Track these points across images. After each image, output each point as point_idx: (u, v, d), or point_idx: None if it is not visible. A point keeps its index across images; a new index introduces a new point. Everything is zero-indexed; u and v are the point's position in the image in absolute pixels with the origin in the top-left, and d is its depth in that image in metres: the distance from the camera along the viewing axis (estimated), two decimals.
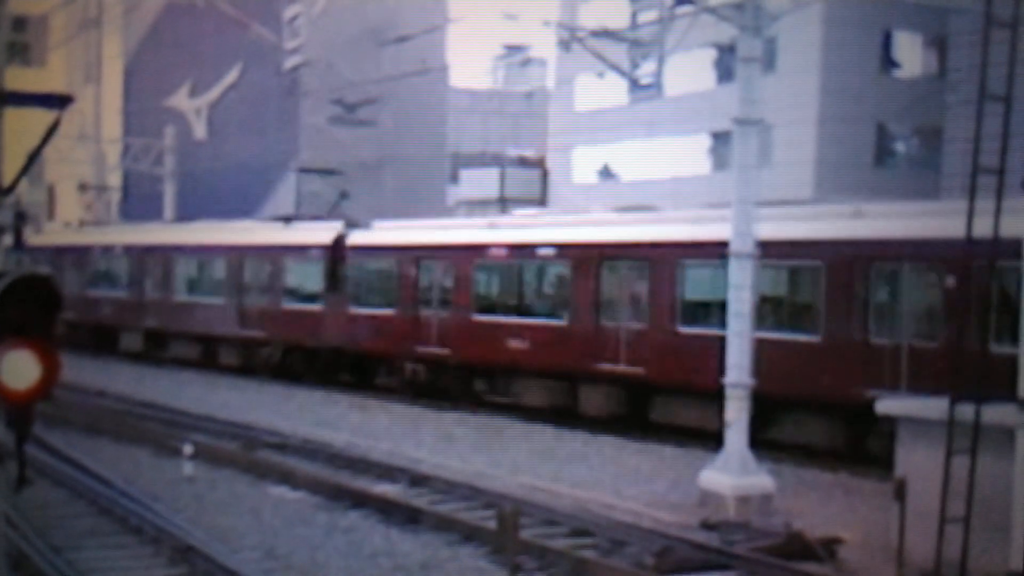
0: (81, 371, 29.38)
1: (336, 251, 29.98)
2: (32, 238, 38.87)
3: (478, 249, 26.16)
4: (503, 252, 25.69)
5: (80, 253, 41.05)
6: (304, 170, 44.64)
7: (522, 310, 25.11)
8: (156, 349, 36.68)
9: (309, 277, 31.34)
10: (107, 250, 39.99)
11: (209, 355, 34.36)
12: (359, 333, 28.95)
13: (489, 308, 25.89)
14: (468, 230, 27.82)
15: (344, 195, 36.48)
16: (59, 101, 9.30)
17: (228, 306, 33.38)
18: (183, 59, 60.96)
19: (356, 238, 29.93)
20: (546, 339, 24.04)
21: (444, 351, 26.47)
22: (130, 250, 38.63)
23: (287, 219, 34.42)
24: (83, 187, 59.97)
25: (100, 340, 38.86)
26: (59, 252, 41.46)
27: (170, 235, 38.00)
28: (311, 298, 30.91)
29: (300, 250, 31.39)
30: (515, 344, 24.56)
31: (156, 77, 63.02)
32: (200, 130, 60.53)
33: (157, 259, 36.97)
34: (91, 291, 39.80)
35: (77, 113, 62.84)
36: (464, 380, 26.49)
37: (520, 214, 30.80)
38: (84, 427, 21.78)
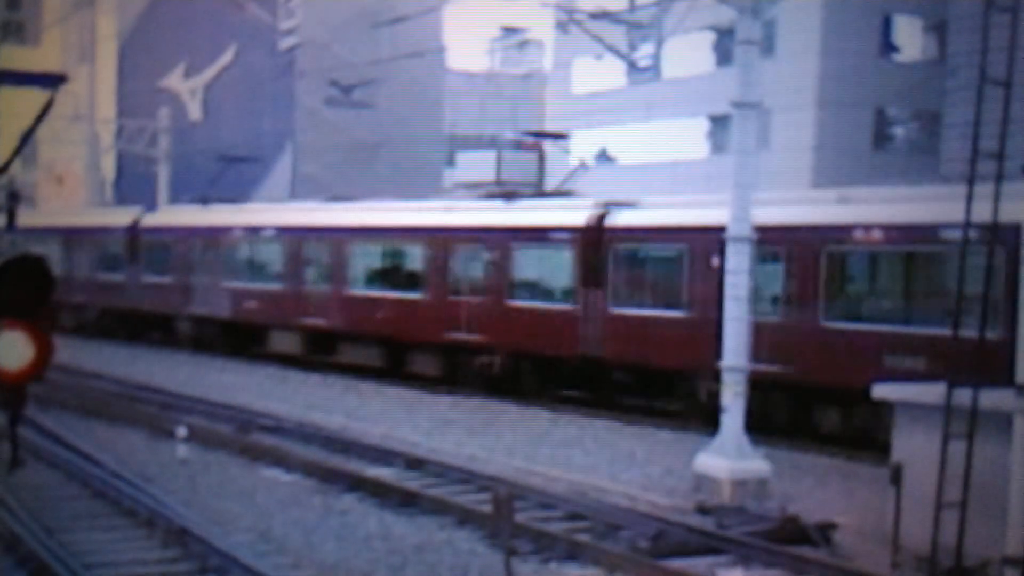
0: (76, 353, 29.33)
1: (591, 235, 23.44)
2: (147, 218, 37.79)
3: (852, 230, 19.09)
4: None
5: (210, 236, 34.50)
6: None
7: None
8: (319, 352, 30.32)
9: (551, 268, 24.64)
10: (253, 232, 33.07)
11: (395, 362, 28.03)
12: (624, 340, 22.52)
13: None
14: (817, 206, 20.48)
15: None
16: (53, 81, 9.24)
17: (428, 303, 26.81)
18: (178, 39, 60.75)
19: (623, 219, 23.16)
20: None
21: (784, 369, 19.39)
22: (286, 233, 31.65)
23: (507, 195, 27.94)
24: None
25: (240, 340, 33.18)
26: (181, 234, 35.73)
27: (339, 215, 30.98)
28: (554, 295, 24.45)
29: (536, 234, 24.59)
30: None
31: (151, 57, 62.83)
32: (195, 111, 60.36)
33: (325, 244, 30.15)
34: (228, 282, 33.29)
35: (71, 94, 62.63)
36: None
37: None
38: (78, 409, 21.73)
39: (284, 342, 31.30)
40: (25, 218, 40.88)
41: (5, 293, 7.89)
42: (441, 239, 26.68)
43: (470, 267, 25.86)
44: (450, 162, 56.24)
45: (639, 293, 22.68)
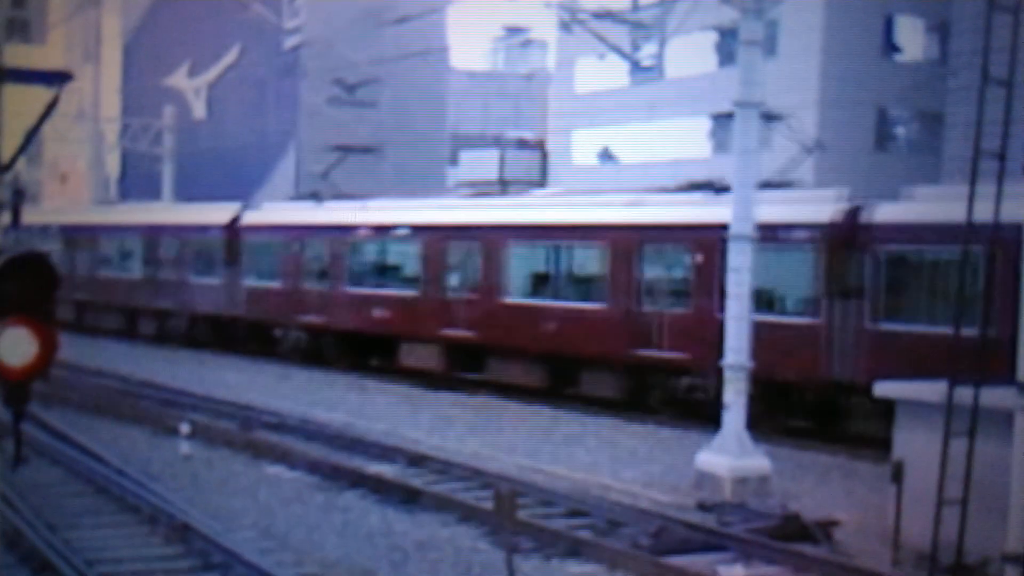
0: (80, 350, 29.37)
1: (842, 233, 19.32)
2: (248, 216, 33.40)
3: None
4: None
5: (328, 236, 30.03)
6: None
7: None
8: (462, 368, 26.25)
9: (783, 274, 19.99)
10: (383, 232, 28.60)
11: (561, 380, 24.07)
12: (893, 361, 17.85)
13: None
14: None
15: None
16: (58, 79, 9.27)
17: (609, 314, 22.65)
18: (182, 38, 60.80)
19: (886, 214, 19.12)
20: None
21: None
22: (426, 232, 27.27)
23: (704, 188, 22.66)
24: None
25: (362, 353, 29.55)
26: (292, 234, 31.27)
27: (492, 211, 26.71)
28: (785, 306, 20.18)
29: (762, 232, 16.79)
30: None
31: (155, 56, 62.88)
32: (199, 110, 60.41)
33: (476, 244, 25.81)
34: (351, 288, 29.19)
35: (76, 92, 62.73)
36: None
37: None
38: (81, 406, 21.78)
39: (419, 356, 27.12)
40: (98, 214, 38.74)
41: (9, 290, 7.92)
42: (626, 238, 22.51)
43: (669, 271, 21.95)
44: (453, 161, 56.27)
45: (914, 305, 18.56)
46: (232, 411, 21.27)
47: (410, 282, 27.83)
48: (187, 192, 46.56)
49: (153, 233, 37.00)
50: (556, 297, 24.29)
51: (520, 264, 25.33)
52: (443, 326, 26.22)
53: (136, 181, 61.54)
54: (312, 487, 15.37)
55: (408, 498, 14.50)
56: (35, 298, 8.03)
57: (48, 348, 8.00)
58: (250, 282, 32.66)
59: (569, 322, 23.59)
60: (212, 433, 18.79)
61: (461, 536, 12.91)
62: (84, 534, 12.22)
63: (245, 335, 33.23)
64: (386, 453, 17.43)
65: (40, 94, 9.10)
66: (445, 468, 16.33)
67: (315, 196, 32.69)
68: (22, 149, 9.23)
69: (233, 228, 33.57)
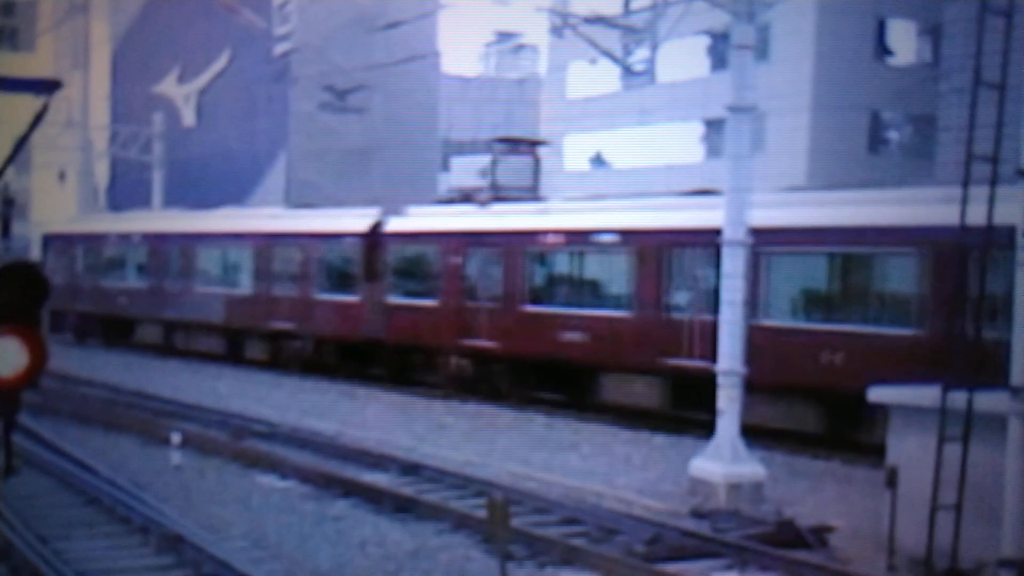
0: (69, 360, 29.28)
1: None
2: (393, 222, 28.46)
3: None
4: None
5: (506, 244, 25.19)
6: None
7: None
8: (690, 404, 20.90)
9: None
10: (582, 238, 23.88)
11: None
12: None
13: None
14: None
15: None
16: (47, 87, 9.21)
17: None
18: (171, 45, 60.72)
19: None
20: None
21: None
22: (644, 237, 22.29)
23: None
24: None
25: (552, 382, 24.80)
26: (456, 242, 26.44)
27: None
28: None
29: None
30: None
31: (144, 63, 62.81)
32: (189, 117, 60.33)
33: (699, 253, 20.61)
34: (538, 307, 24.46)
35: (64, 100, 62.62)
36: None
37: None
38: (72, 416, 21.68)
39: (629, 390, 22.72)
40: (192, 221, 34.72)
41: None
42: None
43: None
44: (445, 167, 56.26)
45: None
46: (223, 420, 21.19)
47: (618, 300, 22.85)
48: (177, 200, 46.46)
49: (268, 243, 31.70)
50: (843, 320, 19.12)
51: (795, 275, 20.15)
52: (666, 354, 21.23)
53: (126, 189, 61.42)
54: (304, 496, 15.29)
55: (401, 507, 14.43)
56: (25, 308, 7.97)
57: (38, 358, 7.95)
58: (396, 299, 27.63)
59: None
60: (203, 442, 18.71)
61: (454, 544, 12.84)
62: (75, 545, 12.14)
63: (388, 361, 28.29)
64: (379, 461, 17.35)
65: (29, 102, 9.04)
66: (438, 476, 16.27)
67: (469, 198, 28.30)
68: (11, 158, 9.17)
69: (374, 236, 28.45)
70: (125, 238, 38.28)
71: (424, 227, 27.88)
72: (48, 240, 43.54)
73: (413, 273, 27.83)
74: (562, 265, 24.65)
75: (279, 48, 54.07)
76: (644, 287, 22.07)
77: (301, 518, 13.97)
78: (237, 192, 54.80)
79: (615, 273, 23.22)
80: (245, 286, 32.83)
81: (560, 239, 24.30)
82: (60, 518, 13.38)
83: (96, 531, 12.95)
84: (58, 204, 73.98)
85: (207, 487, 15.73)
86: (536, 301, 24.48)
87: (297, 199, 45.61)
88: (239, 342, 32.96)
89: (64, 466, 15.98)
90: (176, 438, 17.47)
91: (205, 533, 12.32)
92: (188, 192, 49.54)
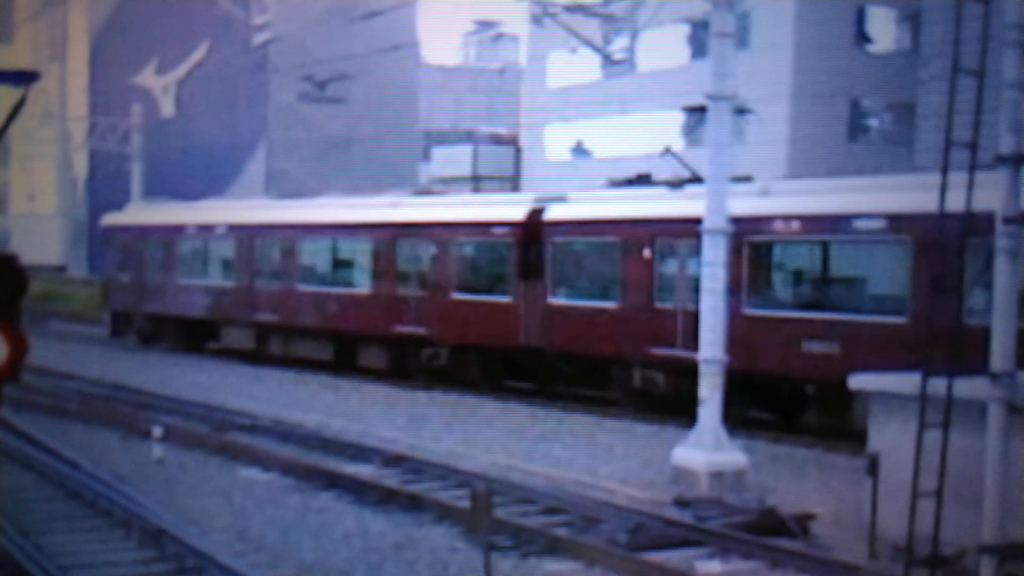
0: (50, 353, 29.12)
1: None
2: (556, 210, 24.02)
3: None
4: None
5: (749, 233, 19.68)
6: None
7: None
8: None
9: None
10: (841, 224, 19.05)
11: None
12: None
13: None
14: None
15: None
16: (24, 78, 9.14)
17: None
18: (150, 36, 60.44)
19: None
20: None
21: None
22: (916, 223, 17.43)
23: None
24: None
25: (775, 403, 21.03)
26: (649, 231, 21.88)
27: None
28: None
29: None
30: None
31: (123, 54, 62.50)
32: (168, 108, 60.07)
33: None
34: (760, 309, 20.04)
35: (43, 91, 62.23)
36: None
37: None
38: (52, 410, 21.57)
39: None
40: (292, 210, 31.02)
41: None
42: None
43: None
44: (425, 157, 56.20)
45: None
46: (205, 413, 21.12)
47: (886, 302, 18.68)
48: (156, 191, 46.24)
49: (392, 235, 27.18)
50: None
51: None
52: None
53: (105, 181, 61.13)
54: (287, 489, 15.26)
55: (384, 499, 14.41)
56: (4, 300, 7.90)
57: (18, 351, 7.87)
58: (560, 300, 23.42)
59: None
60: (185, 436, 18.64)
61: (437, 536, 12.84)
62: (57, 539, 12.07)
63: (546, 372, 24.34)
64: (361, 453, 17.32)
65: (6, 94, 8.97)
66: (421, 467, 16.25)
67: (646, 179, 24.54)
68: None
69: (532, 227, 24.14)
70: (207, 230, 33.16)
71: (599, 215, 23.19)
72: (107, 233, 38.09)
73: (584, 270, 23.88)
74: (795, 258, 20.59)
75: (258, 38, 53.88)
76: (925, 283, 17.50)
77: (284, 510, 13.93)
78: (217, 183, 54.66)
79: (885, 270, 19.10)
80: (362, 285, 28.18)
81: (799, 226, 19.78)
82: (41, 512, 13.31)
83: (77, 525, 12.89)
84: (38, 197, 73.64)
85: (189, 480, 15.68)
86: (767, 303, 20.05)
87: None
88: (351, 348, 28.28)
89: (44, 460, 15.90)
90: (158, 431, 17.39)
91: (187, 526, 12.27)
92: (167, 183, 49.34)
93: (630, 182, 24.81)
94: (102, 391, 24.15)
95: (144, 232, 35.78)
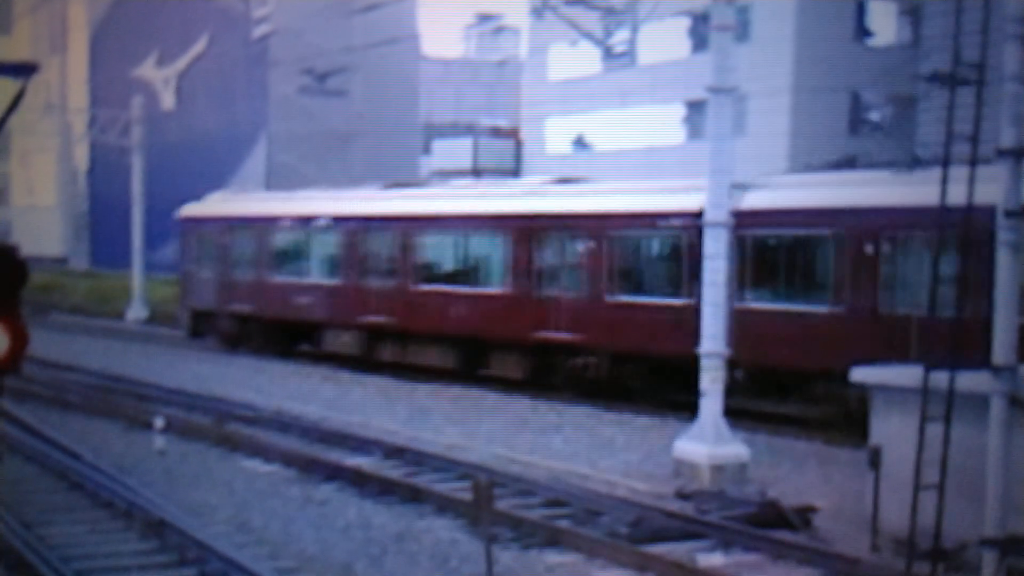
0: (51, 344, 29.13)
1: None
2: (754, 197, 20.36)
3: None
4: None
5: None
6: None
7: None
8: None
9: None
10: None
11: None
12: None
13: None
14: None
15: None
16: (24, 70, 9.13)
17: None
18: (150, 28, 60.33)
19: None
20: None
21: None
22: None
23: None
24: None
25: None
26: (872, 221, 18.72)
27: None
28: None
29: None
30: None
31: (123, 46, 62.38)
32: (168, 100, 59.99)
33: None
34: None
35: (42, 83, 62.13)
36: None
37: None
38: (54, 402, 21.58)
39: None
40: (411, 200, 27.62)
41: None
42: None
43: None
44: (426, 150, 56.14)
45: None
46: (206, 405, 21.13)
47: None
48: (157, 183, 46.18)
49: (532, 227, 23.83)
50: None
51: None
52: None
53: (105, 173, 61.07)
54: (288, 480, 15.27)
55: (385, 490, 14.43)
56: (3, 292, 7.88)
57: (19, 343, 7.86)
58: (754, 304, 20.19)
59: None
60: (186, 427, 18.66)
61: (439, 528, 12.86)
62: (59, 530, 12.10)
63: (733, 386, 18.39)
64: (363, 445, 17.34)
65: (6, 86, 8.96)
66: (422, 459, 16.27)
67: (852, 162, 22.11)
68: None
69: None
70: (306, 222, 29.57)
71: (808, 203, 19.92)
72: (186, 225, 34.40)
73: (786, 268, 20.42)
74: None
75: (258, 31, 53.79)
76: None
77: (285, 502, 13.96)
78: (217, 175, 54.58)
79: None
80: (495, 283, 24.81)
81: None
82: (43, 503, 13.33)
83: (79, 516, 12.91)
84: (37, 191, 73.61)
85: (190, 471, 15.70)
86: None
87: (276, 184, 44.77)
88: (480, 355, 25.12)
89: (46, 451, 15.91)
90: (159, 423, 17.41)
91: (189, 517, 12.29)
92: (168, 176, 49.28)
93: (838, 165, 21.81)
94: (103, 383, 24.16)
95: (230, 224, 32.14)
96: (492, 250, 25.10)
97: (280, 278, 30.26)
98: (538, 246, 23.69)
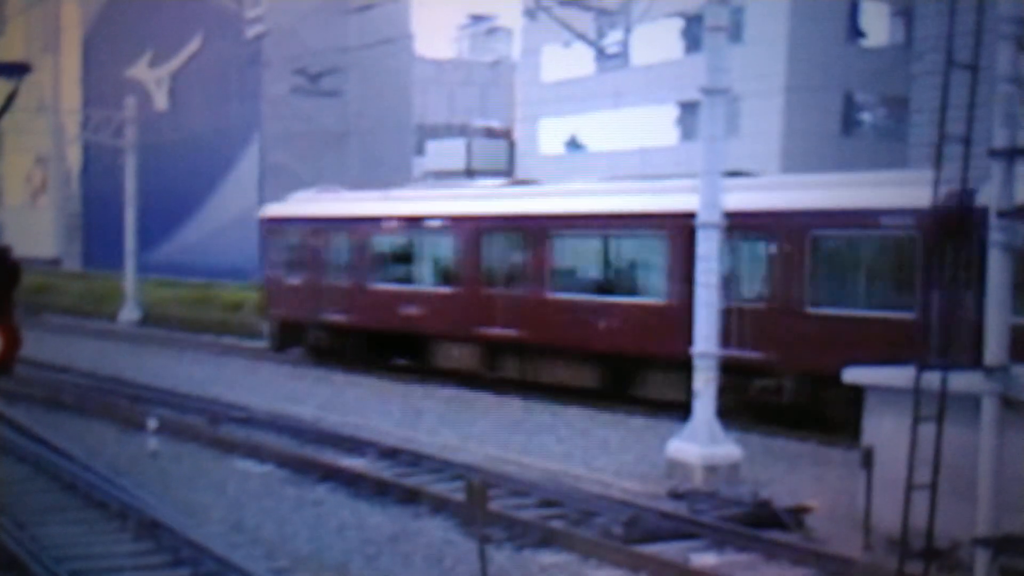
0: (44, 345, 29.10)
1: None
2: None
3: None
4: None
5: None
6: None
7: None
8: None
9: None
10: None
11: None
12: None
13: None
14: None
15: None
16: (17, 70, 9.13)
17: None
18: (143, 28, 60.25)
19: None
20: None
21: None
22: None
23: None
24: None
25: None
26: None
27: None
28: None
29: None
30: None
31: (116, 47, 62.28)
32: (161, 101, 59.90)
33: None
34: None
35: (36, 84, 62.03)
36: None
37: None
38: (47, 402, 21.56)
39: None
40: (545, 197, 24.35)
41: None
42: None
43: None
44: (419, 150, 56.18)
45: None
46: (200, 405, 21.12)
47: None
48: (150, 184, 46.10)
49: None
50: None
51: None
52: None
53: (98, 174, 60.96)
54: (283, 481, 15.28)
55: (379, 491, 14.44)
56: None
57: (11, 344, 7.86)
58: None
59: None
60: (180, 428, 18.65)
61: (433, 528, 12.87)
62: (52, 531, 12.09)
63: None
64: (357, 446, 17.34)
65: None
66: (416, 460, 16.28)
67: None
68: None
69: (955, 216, 15.16)
70: (415, 223, 26.64)
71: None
72: (270, 227, 31.14)
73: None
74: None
75: (251, 31, 53.70)
76: None
77: (280, 503, 13.96)
78: (210, 176, 54.57)
79: None
80: (650, 293, 21.66)
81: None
82: (36, 504, 13.32)
83: (73, 517, 12.90)
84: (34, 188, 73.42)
85: (184, 472, 15.69)
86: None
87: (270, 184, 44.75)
88: (628, 373, 22.02)
89: (39, 452, 15.90)
90: (153, 424, 17.40)
91: (183, 518, 12.29)
92: (161, 176, 49.20)
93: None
94: (96, 383, 24.13)
95: (323, 225, 28.96)
96: (645, 254, 21.99)
97: (382, 285, 27.21)
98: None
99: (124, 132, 46.39)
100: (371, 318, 27.36)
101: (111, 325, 41.37)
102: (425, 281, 26.44)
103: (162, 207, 52.43)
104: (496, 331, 24.08)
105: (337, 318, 28.11)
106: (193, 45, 57.96)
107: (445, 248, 25.92)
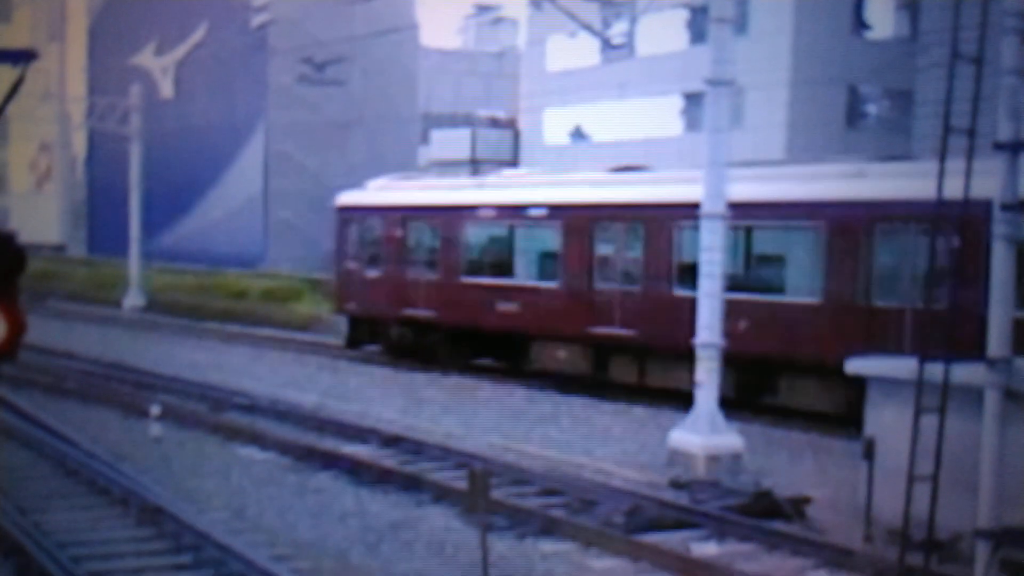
0: (48, 331, 29.13)
1: None
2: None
3: None
4: None
5: None
6: None
7: None
8: None
9: None
10: None
11: None
12: None
13: None
14: None
15: None
16: (23, 57, 9.12)
17: None
18: (149, 16, 60.18)
19: None
20: None
21: None
22: None
23: None
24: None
25: None
26: None
27: None
28: None
29: None
30: None
31: (121, 35, 62.22)
32: (167, 89, 59.86)
33: None
34: None
35: (41, 71, 61.99)
36: None
37: None
38: (51, 388, 21.60)
39: None
40: (685, 187, 18.38)
41: None
42: None
43: None
44: (424, 140, 56.09)
45: None
46: (203, 392, 21.16)
47: None
48: (155, 171, 46.11)
49: (865, 219, 18.26)
50: None
51: None
52: None
53: (103, 161, 60.98)
54: (285, 468, 15.31)
55: (382, 478, 14.47)
56: (1, 279, 7.89)
57: (16, 330, 7.86)
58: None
59: None
60: (183, 415, 18.69)
61: (435, 516, 12.90)
62: (55, 517, 12.13)
63: None
64: (359, 434, 17.38)
65: (4, 73, 8.96)
66: (418, 448, 16.31)
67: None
68: None
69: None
70: (512, 212, 24.68)
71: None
72: (345, 215, 28.83)
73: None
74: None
75: (257, 20, 53.64)
76: None
77: (282, 490, 13.99)
78: (215, 164, 54.55)
79: None
80: (797, 291, 19.57)
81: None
82: (39, 490, 13.36)
83: (75, 503, 12.95)
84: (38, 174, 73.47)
85: (187, 459, 15.73)
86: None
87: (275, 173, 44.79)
88: (767, 380, 19.95)
89: (43, 438, 15.94)
90: (155, 410, 17.44)
91: (185, 504, 12.33)
92: (166, 164, 49.19)
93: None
94: (100, 369, 24.18)
95: (406, 214, 27.09)
96: (794, 249, 19.79)
97: (474, 279, 25.19)
98: (868, 243, 18.10)
99: (129, 120, 46.40)
100: (460, 314, 25.39)
101: (115, 311, 41.44)
102: (525, 275, 24.43)
103: (167, 194, 52.44)
104: (608, 331, 22.05)
105: (422, 314, 26.19)
106: (199, 34, 57.90)
107: (547, 240, 23.94)
